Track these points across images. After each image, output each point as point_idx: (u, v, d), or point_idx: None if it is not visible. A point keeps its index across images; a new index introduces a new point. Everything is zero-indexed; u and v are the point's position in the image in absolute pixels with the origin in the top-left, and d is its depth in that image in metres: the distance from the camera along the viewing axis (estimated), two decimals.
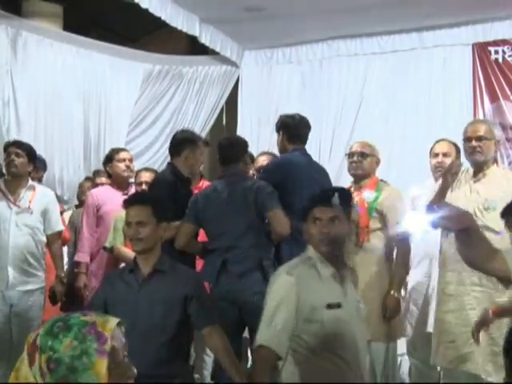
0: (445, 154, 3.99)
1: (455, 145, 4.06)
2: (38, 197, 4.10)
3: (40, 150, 5.44)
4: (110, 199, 4.36)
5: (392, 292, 3.57)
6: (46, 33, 6.05)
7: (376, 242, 3.66)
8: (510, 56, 5.97)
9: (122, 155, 4.58)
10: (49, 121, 5.92)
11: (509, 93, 5.94)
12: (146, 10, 5.35)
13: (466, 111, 6.05)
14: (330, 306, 2.38)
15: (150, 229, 2.82)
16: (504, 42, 6.01)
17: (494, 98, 6.00)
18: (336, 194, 2.47)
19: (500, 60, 6.00)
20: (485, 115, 5.92)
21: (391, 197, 3.73)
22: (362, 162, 3.79)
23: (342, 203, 2.48)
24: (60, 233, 4.26)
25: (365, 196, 3.73)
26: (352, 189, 3.84)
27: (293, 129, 3.91)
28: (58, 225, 4.24)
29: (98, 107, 6.37)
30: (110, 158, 4.60)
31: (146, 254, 2.85)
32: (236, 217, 3.48)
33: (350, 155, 3.86)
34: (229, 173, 3.61)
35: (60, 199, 5.87)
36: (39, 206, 4.09)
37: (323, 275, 2.44)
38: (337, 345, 2.37)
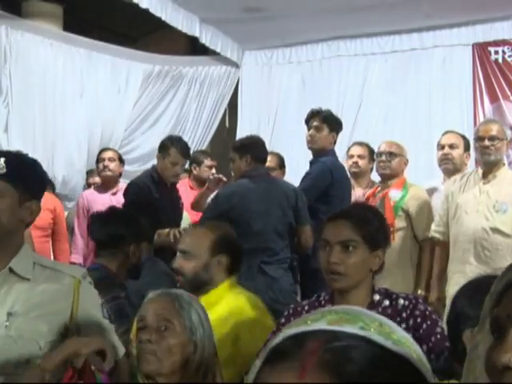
0: (451, 146, 3.95)
1: (464, 137, 4.02)
2: None
3: (40, 151, 5.46)
4: (99, 200, 4.34)
5: (419, 291, 3.57)
6: (45, 33, 6.02)
7: (401, 241, 3.67)
8: (510, 56, 5.96)
9: (102, 155, 4.53)
10: (49, 121, 5.91)
11: (509, 93, 5.92)
12: (146, 10, 5.34)
13: (466, 111, 6.03)
14: None
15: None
16: (504, 43, 6.00)
17: (494, 99, 5.99)
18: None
19: (500, 60, 5.99)
20: (485, 115, 5.90)
21: (417, 196, 3.76)
22: (390, 162, 3.81)
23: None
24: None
25: (391, 195, 3.76)
26: (379, 188, 3.88)
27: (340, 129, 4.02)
28: None
29: (98, 108, 6.35)
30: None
31: None
32: (277, 216, 3.46)
33: (378, 155, 3.89)
34: (260, 172, 3.59)
35: (63, 199, 5.87)
36: None
37: None
38: None
